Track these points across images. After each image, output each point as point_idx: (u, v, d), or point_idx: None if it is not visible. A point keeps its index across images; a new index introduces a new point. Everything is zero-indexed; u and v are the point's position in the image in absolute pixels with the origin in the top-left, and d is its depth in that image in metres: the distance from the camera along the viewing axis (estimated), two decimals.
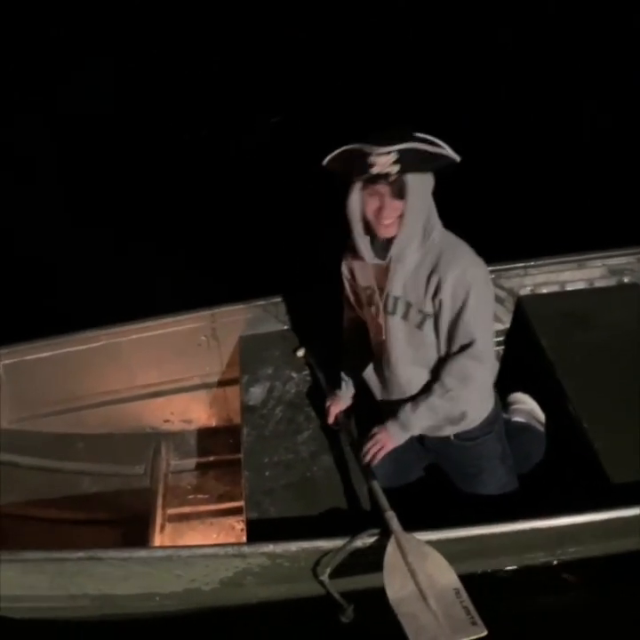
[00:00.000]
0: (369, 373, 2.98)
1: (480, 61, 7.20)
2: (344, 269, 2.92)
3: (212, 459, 3.69)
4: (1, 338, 3.57)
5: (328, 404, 3.10)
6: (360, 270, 2.82)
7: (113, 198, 5.76)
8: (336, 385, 3.11)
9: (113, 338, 3.62)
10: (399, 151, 2.42)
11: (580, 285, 3.76)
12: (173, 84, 7.41)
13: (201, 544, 3.14)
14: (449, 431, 2.89)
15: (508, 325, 3.74)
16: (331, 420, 3.08)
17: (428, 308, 2.66)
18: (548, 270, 3.75)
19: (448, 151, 2.49)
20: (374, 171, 2.45)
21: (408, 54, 7.59)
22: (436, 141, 2.49)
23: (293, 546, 2.65)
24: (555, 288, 3.76)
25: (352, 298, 2.95)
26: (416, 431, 2.82)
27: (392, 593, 2.42)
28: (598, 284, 3.77)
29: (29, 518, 3.38)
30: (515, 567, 2.93)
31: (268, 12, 8.45)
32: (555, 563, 2.98)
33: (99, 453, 3.64)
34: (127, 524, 3.41)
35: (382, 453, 2.83)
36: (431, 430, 2.86)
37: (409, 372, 2.81)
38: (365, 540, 2.63)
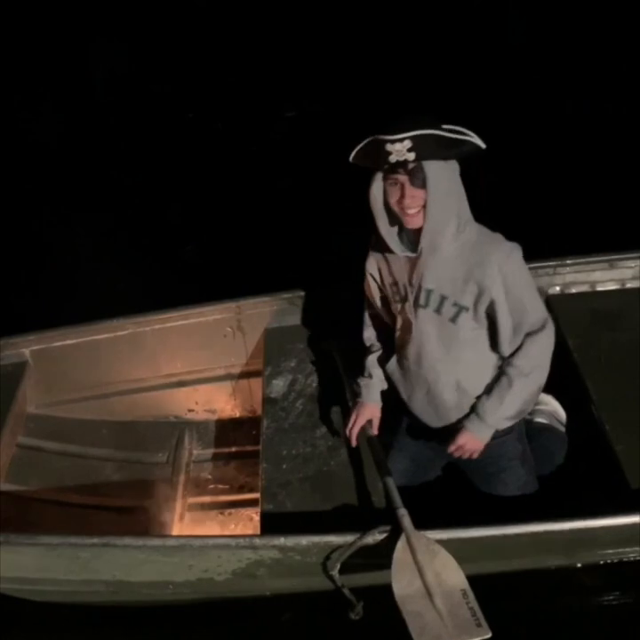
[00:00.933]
0: (392, 368, 2.93)
1: (499, 59, 7.13)
2: (369, 266, 2.86)
3: (234, 449, 3.71)
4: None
5: (351, 417, 2.97)
6: (387, 265, 2.78)
7: (133, 190, 5.79)
8: (358, 387, 3.03)
9: (140, 327, 3.65)
10: (413, 137, 2.40)
11: (611, 286, 3.70)
12: (189, 79, 7.42)
13: (213, 534, 3.16)
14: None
15: None
16: (353, 437, 2.96)
17: (466, 302, 2.62)
18: (579, 270, 3.70)
19: (470, 137, 2.45)
20: (392, 159, 2.44)
21: (418, 49, 7.59)
22: (457, 128, 2.45)
23: (304, 540, 2.65)
24: (585, 288, 3.71)
25: (378, 295, 2.89)
26: (504, 425, 2.78)
27: (399, 590, 2.42)
28: (630, 285, 3.70)
29: (52, 502, 3.43)
30: (528, 569, 2.89)
31: (284, 6, 8.41)
32: (569, 567, 2.94)
33: (123, 440, 3.68)
34: (148, 511, 3.44)
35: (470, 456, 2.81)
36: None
37: (439, 366, 2.77)
38: (376, 536, 2.62)
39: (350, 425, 2.95)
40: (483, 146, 2.47)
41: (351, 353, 3.33)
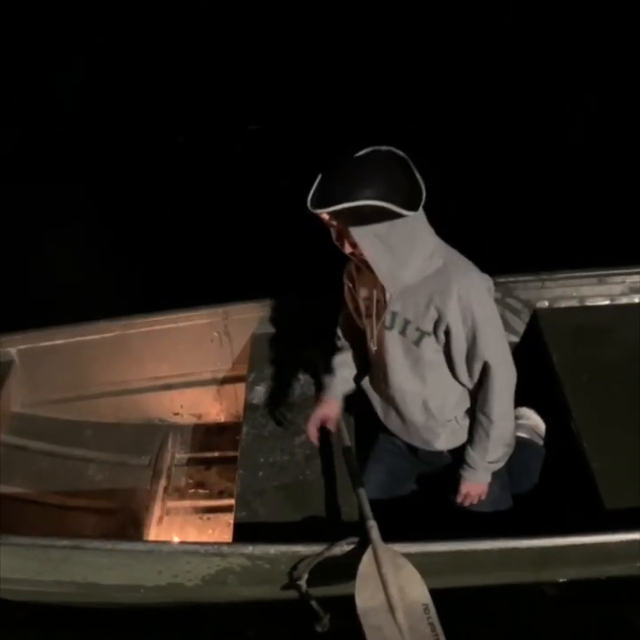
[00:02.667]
0: (366, 385, 2.97)
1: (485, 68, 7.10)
2: (347, 275, 2.89)
3: (216, 454, 3.71)
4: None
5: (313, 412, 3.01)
6: (360, 279, 2.79)
7: (117, 198, 5.80)
8: (321, 384, 3.07)
9: (127, 329, 3.66)
10: (331, 212, 2.39)
11: (599, 301, 3.68)
12: (153, 90, 7.40)
13: (183, 540, 3.16)
14: (442, 446, 2.87)
15: (520, 337, 3.67)
16: (310, 433, 2.97)
17: (427, 327, 2.63)
18: (567, 284, 3.68)
19: (391, 207, 2.37)
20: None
21: (394, 56, 7.52)
22: (380, 204, 2.37)
23: (272, 549, 2.65)
24: (573, 303, 3.69)
25: (352, 306, 2.91)
26: (497, 466, 2.82)
27: (361, 602, 2.42)
28: (619, 301, 3.68)
29: (33, 502, 3.45)
30: (495, 585, 2.87)
31: (248, 20, 8.40)
32: (536, 584, 2.93)
33: (106, 442, 3.69)
34: (127, 513, 3.46)
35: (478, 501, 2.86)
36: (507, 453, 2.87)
37: (406, 385, 2.79)
38: (344, 547, 2.62)
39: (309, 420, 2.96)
40: (405, 214, 2.40)
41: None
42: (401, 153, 2.47)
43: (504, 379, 2.66)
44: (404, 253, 2.50)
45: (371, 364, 2.91)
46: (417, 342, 2.67)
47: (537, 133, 6.06)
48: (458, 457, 2.84)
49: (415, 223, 2.48)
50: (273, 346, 3.64)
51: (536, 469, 3.15)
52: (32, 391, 3.70)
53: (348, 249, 2.54)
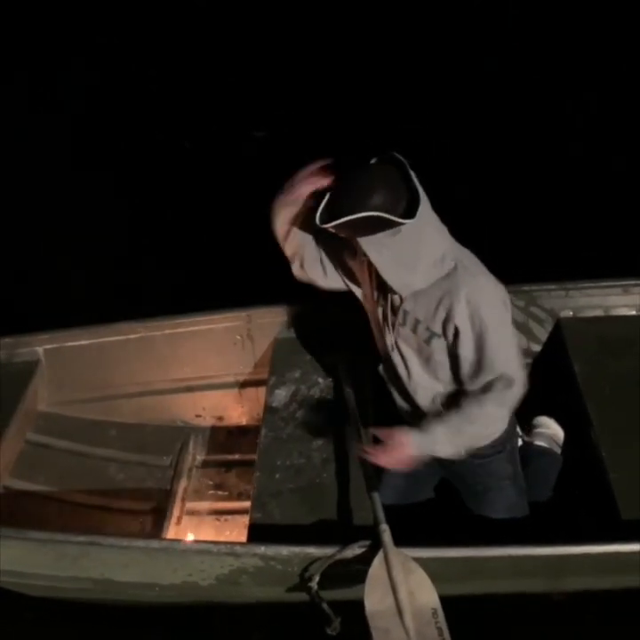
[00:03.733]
0: (382, 371, 2.96)
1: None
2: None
3: (237, 457, 3.73)
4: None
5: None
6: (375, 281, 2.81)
7: (132, 201, 5.84)
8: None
9: (151, 331, 3.70)
10: (335, 226, 2.44)
11: (624, 312, 3.65)
12: (158, 95, 7.40)
13: (198, 540, 3.19)
14: None
15: (543, 346, 3.66)
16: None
17: (436, 328, 2.63)
18: (591, 294, 3.66)
19: (389, 217, 2.40)
20: None
21: (395, 57, 7.47)
22: (375, 215, 2.40)
23: (285, 550, 2.67)
24: (597, 312, 3.66)
25: (368, 306, 2.91)
26: (438, 451, 2.66)
27: (370, 605, 2.43)
28: None
29: (55, 499, 3.50)
30: (507, 593, 2.86)
31: (252, 26, 8.40)
32: (549, 594, 2.91)
33: (129, 442, 3.73)
34: (147, 512, 3.49)
35: (388, 464, 2.69)
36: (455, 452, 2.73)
37: (419, 379, 2.79)
38: (355, 550, 2.63)
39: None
40: (405, 223, 2.42)
41: (355, 367, 3.36)
42: (402, 159, 2.49)
43: (503, 395, 2.59)
44: (411, 259, 2.51)
45: (385, 354, 2.89)
46: (427, 341, 2.67)
47: (555, 138, 6.00)
48: (480, 461, 2.83)
49: (422, 228, 2.48)
50: (295, 350, 3.66)
51: (553, 478, 3.15)
52: (57, 390, 3.75)
53: (361, 258, 2.58)
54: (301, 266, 2.90)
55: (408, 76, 7.15)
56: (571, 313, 3.67)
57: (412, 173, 2.47)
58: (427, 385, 2.77)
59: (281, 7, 8.39)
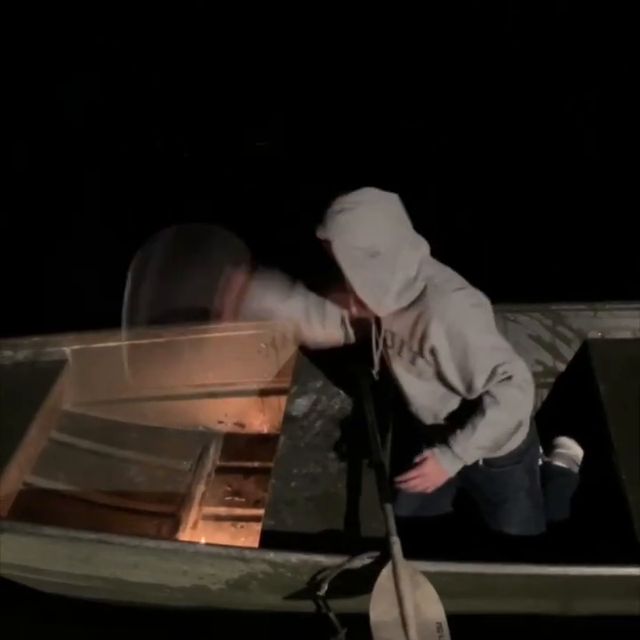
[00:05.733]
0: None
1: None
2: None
3: (256, 464, 3.73)
4: None
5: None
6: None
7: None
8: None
9: (176, 336, 3.72)
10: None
11: None
12: (157, 102, 7.47)
13: (208, 543, 3.19)
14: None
15: (568, 366, 3.62)
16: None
17: (416, 348, 2.68)
18: (621, 315, 3.62)
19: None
20: None
21: (396, 59, 7.51)
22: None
23: (294, 557, 2.66)
24: (626, 334, 3.62)
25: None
26: (472, 457, 2.70)
27: (375, 616, 2.42)
28: None
29: (74, 498, 3.52)
30: (517, 614, 2.82)
31: (255, 32, 8.43)
32: (563, 616, 2.85)
33: (150, 445, 3.74)
34: (164, 515, 3.50)
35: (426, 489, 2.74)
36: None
37: (418, 397, 2.85)
38: (364, 561, 2.62)
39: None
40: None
41: (377, 379, 3.34)
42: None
43: (508, 383, 2.59)
44: (385, 281, 2.60)
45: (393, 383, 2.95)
46: (412, 361, 2.73)
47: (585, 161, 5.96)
48: (497, 470, 2.84)
49: (398, 251, 2.58)
50: (318, 360, 3.66)
51: (571, 499, 3.10)
52: (82, 391, 3.79)
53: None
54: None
55: (408, 76, 7.18)
56: (599, 334, 3.63)
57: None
58: (426, 403, 2.82)
59: (282, 10, 8.42)
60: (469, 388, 2.65)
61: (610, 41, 7.34)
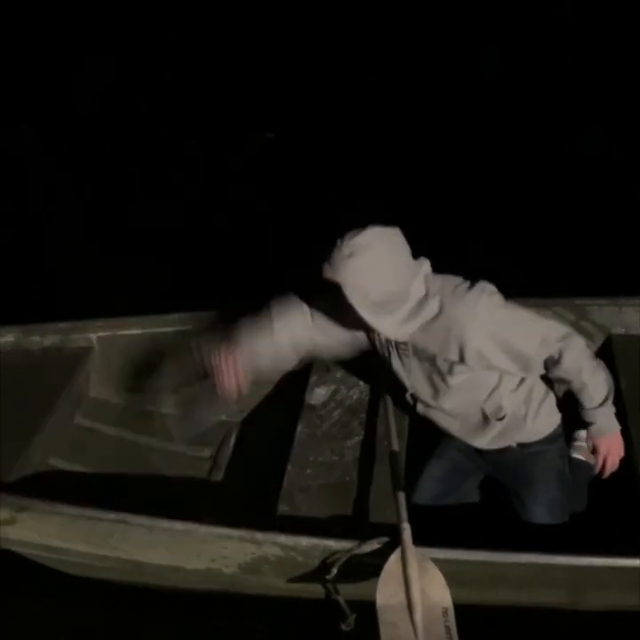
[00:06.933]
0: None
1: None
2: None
3: (276, 452, 3.74)
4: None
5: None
6: None
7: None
8: None
9: (200, 323, 3.76)
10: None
11: None
12: (165, 98, 7.52)
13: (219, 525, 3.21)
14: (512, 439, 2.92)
15: None
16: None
17: (454, 356, 2.71)
18: None
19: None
20: None
21: (404, 62, 7.57)
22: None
23: (304, 540, 2.69)
24: None
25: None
26: (611, 407, 2.81)
27: (381, 599, 2.43)
28: None
29: (96, 482, 3.57)
30: (528, 605, 2.81)
31: (259, 28, 8.45)
32: (573, 609, 2.83)
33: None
34: (183, 501, 3.52)
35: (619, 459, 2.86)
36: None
37: (458, 409, 2.91)
38: (374, 545, 2.63)
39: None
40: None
41: None
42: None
43: (573, 353, 2.70)
44: (400, 312, 2.67)
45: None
46: (450, 371, 2.75)
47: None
48: (529, 451, 2.90)
49: (410, 284, 2.65)
50: None
51: (587, 491, 3.09)
52: (108, 377, 3.85)
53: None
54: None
55: (412, 77, 7.18)
56: (623, 330, 3.61)
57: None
58: (469, 407, 2.86)
59: (289, 9, 8.43)
60: (526, 365, 2.73)
61: (609, 41, 7.29)
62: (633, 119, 6.34)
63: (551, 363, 2.75)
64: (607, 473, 2.85)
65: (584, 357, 2.74)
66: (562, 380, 2.82)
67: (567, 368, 2.72)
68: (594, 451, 2.82)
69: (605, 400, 2.79)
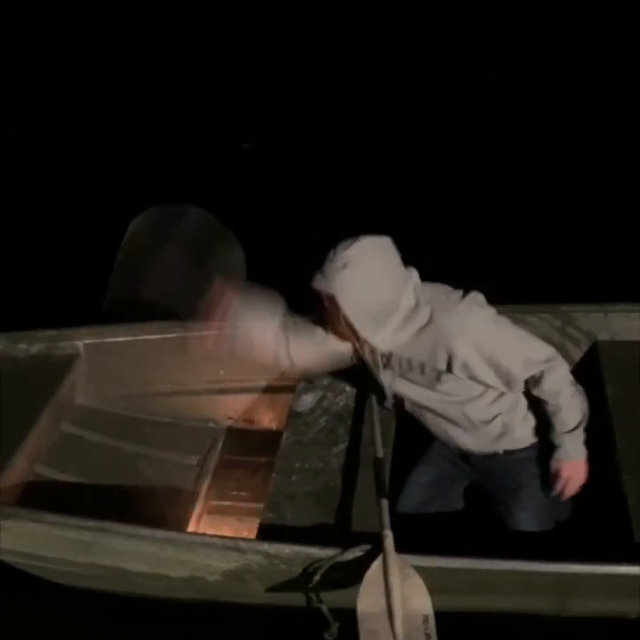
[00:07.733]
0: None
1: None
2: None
3: (263, 460, 3.74)
4: None
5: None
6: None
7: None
8: None
9: (187, 331, 3.75)
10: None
11: None
12: (165, 98, 7.51)
13: (203, 533, 3.21)
14: (497, 446, 2.92)
15: (576, 367, 3.58)
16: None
17: (442, 366, 2.73)
18: (632, 317, 3.59)
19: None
20: None
21: (389, 68, 7.52)
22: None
23: (287, 548, 2.69)
24: (636, 337, 3.58)
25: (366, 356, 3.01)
26: (580, 435, 2.83)
27: (362, 607, 2.43)
28: None
29: (82, 490, 3.56)
30: (511, 612, 2.80)
31: (260, 28, 8.44)
32: (556, 617, 2.83)
33: (160, 440, 3.78)
34: (170, 509, 3.53)
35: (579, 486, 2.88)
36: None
37: (446, 414, 2.92)
38: (356, 553, 2.63)
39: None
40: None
41: None
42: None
43: (554, 376, 2.75)
44: (392, 322, 2.70)
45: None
46: (437, 379, 2.77)
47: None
48: (516, 457, 2.90)
49: (401, 294, 2.67)
50: None
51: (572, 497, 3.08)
52: (94, 385, 3.84)
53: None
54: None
55: (412, 77, 7.18)
56: (609, 336, 3.60)
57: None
58: (455, 410, 2.87)
59: (272, 14, 8.43)
60: (509, 382, 2.76)
61: (609, 41, 7.32)
62: (633, 119, 6.33)
63: (532, 382, 2.78)
64: (565, 497, 2.86)
65: (564, 382, 2.77)
66: (539, 400, 2.83)
67: (546, 390, 2.76)
68: (556, 474, 2.82)
69: (577, 426, 2.80)
